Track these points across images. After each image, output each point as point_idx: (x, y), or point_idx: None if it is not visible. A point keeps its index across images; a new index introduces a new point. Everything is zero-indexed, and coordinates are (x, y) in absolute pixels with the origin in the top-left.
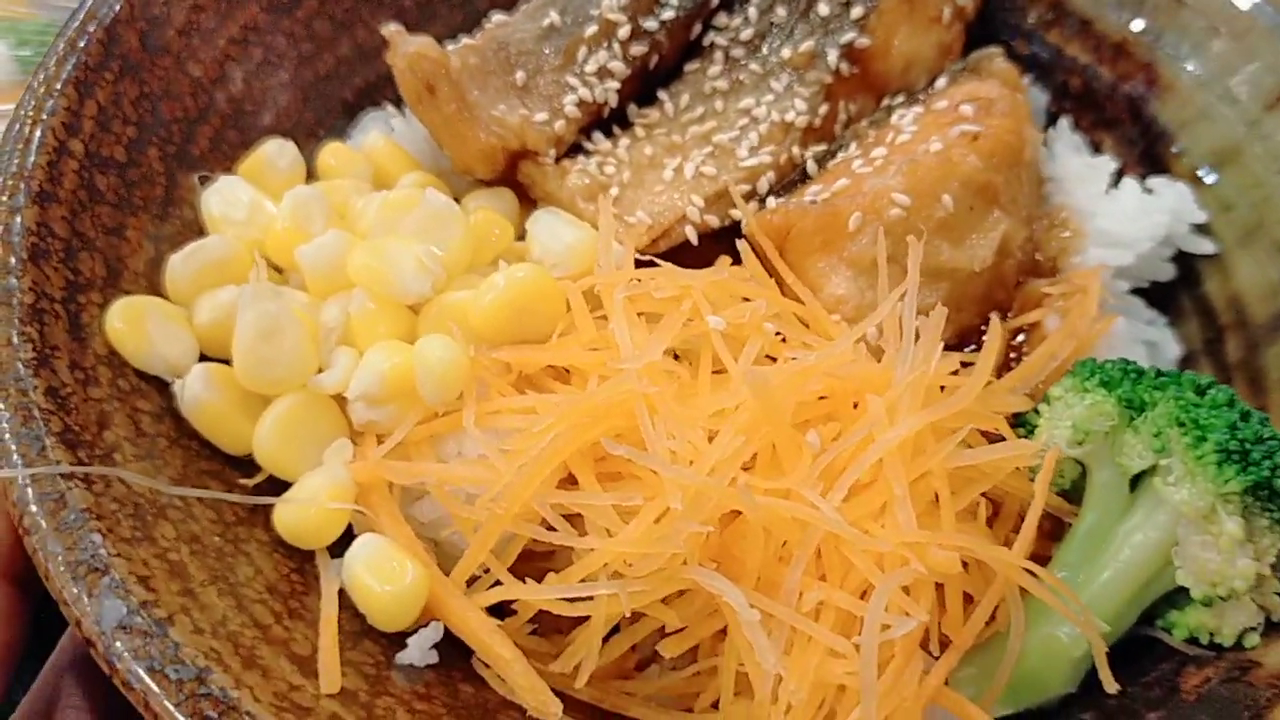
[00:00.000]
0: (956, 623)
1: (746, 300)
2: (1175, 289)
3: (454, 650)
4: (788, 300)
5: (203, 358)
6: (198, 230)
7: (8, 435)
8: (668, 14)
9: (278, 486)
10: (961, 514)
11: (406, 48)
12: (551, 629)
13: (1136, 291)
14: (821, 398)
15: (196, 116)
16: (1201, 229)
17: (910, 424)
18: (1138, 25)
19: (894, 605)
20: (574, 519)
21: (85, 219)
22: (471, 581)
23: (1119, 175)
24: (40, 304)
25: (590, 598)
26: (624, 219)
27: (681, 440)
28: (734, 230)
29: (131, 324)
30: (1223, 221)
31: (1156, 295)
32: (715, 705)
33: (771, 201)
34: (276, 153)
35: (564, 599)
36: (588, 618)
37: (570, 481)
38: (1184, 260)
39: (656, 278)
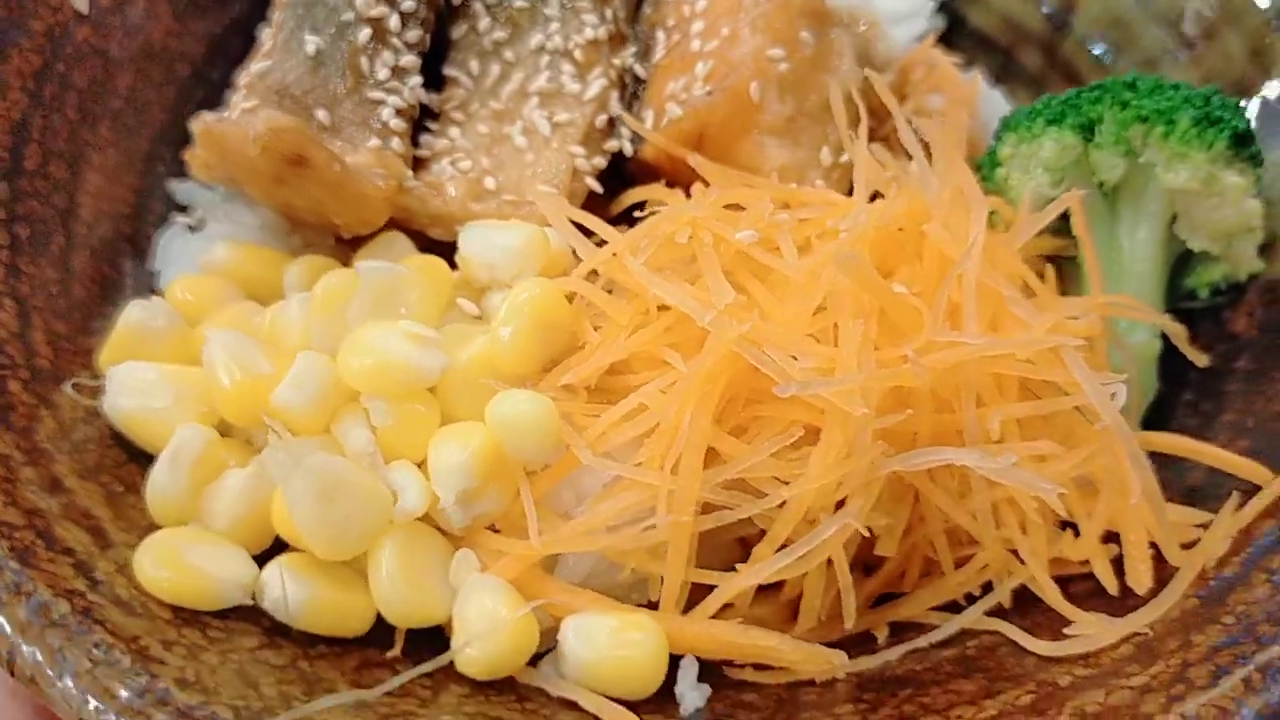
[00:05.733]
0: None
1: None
2: (946, 37)
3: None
4: (760, 189)
5: None
6: (117, 441)
7: None
8: None
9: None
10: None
11: (255, 127)
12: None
13: None
14: None
15: (18, 329)
16: None
17: (980, 229)
18: None
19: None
20: None
21: (16, 493)
22: None
23: None
24: (78, 604)
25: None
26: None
27: (806, 355)
28: (616, 162)
29: (172, 566)
30: None
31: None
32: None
33: (672, 112)
34: (144, 315)
35: (797, 559)
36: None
37: None
38: (944, 8)
39: (660, 225)
